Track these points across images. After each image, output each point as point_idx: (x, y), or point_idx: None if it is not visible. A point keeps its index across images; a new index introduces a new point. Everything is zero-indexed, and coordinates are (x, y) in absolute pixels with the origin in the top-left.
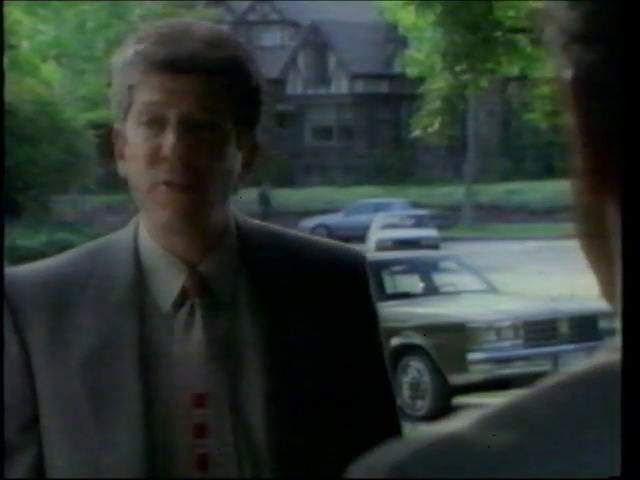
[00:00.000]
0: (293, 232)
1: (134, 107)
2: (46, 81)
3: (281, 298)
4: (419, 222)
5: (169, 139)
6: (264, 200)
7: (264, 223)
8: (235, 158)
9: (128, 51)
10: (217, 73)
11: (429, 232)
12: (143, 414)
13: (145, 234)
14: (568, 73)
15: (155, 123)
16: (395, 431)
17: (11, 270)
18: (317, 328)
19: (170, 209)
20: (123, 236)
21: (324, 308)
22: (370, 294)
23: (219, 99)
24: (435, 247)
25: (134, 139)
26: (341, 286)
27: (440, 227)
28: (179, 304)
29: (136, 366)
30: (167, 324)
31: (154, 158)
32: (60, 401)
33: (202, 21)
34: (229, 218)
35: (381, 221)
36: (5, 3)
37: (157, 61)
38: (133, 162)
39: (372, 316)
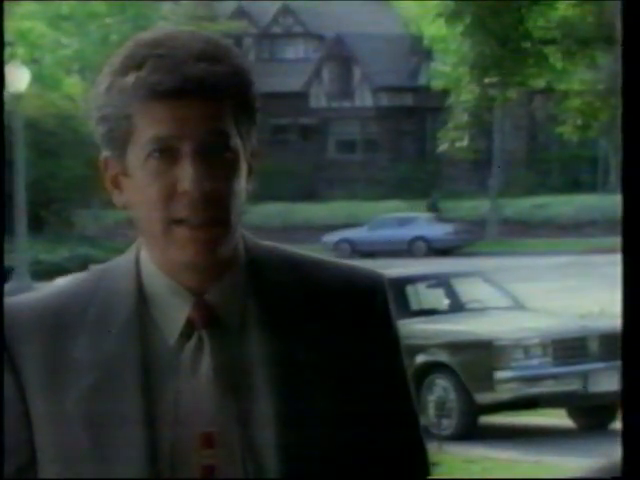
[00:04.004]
0: (306, 253)
1: (136, 138)
2: (69, 95)
3: (294, 325)
4: None
5: (187, 172)
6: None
7: (275, 244)
8: (245, 174)
9: (126, 78)
10: (223, 91)
11: None
12: (147, 455)
13: (147, 260)
14: None
15: (166, 155)
16: (420, 455)
17: (7, 302)
18: (333, 354)
19: (192, 248)
20: (124, 262)
21: (340, 333)
22: (390, 316)
23: (228, 119)
24: None
25: (140, 173)
26: (358, 309)
27: (465, 241)
28: (186, 336)
29: (139, 403)
30: (173, 358)
31: (170, 194)
32: (58, 441)
33: (190, 30)
34: (238, 240)
35: None
36: (22, 14)
37: (162, 89)
38: (140, 198)
39: (392, 339)
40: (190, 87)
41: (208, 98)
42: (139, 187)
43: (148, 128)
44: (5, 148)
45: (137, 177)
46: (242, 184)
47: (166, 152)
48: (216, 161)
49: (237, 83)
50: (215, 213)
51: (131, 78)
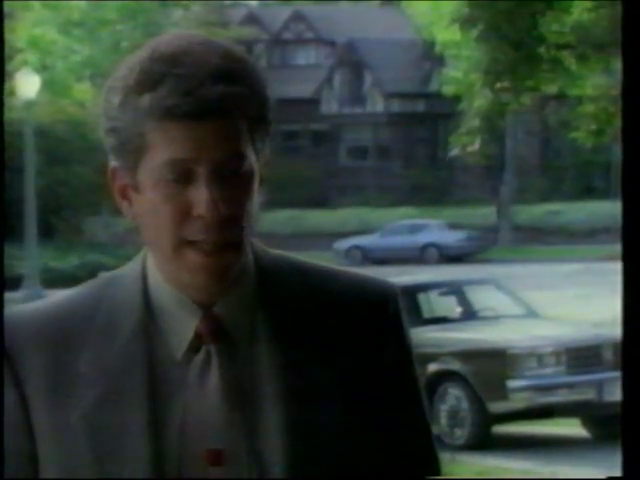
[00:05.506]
0: (316, 263)
1: (150, 156)
2: (79, 101)
3: (304, 337)
4: None
5: (203, 195)
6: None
7: (284, 254)
8: (258, 187)
9: (141, 98)
10: (240, 111)
11: None
12: (153, 470)
13: (154, 271)
14: None
15: (181, 177)
16: (432, 466)
17: (10, 313)
18: (344, 365)
19: (204, 273)
20: (130, 272)
21: (351, 344)
22: (402, 327)
23: (244, 137)
24: None
25: (153, 193)
26: (370, 320)
27: (477, 248)
28: (193, 350)
29: (145, 417)
30: (180, 372)
31: (184, 217)
32: (61, 458)
33: (204, 39)
34: (247, 251)
35: None
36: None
37: (179, 112)
38: (152, 217)
39: (404, 350)
40: (207, 109)
41: (225, 119)
42: (151, 206)
43: (163, 149)
44: (15, 155)
45: (149, 195)
46: (256, 202)
47: (181, 174)
48: (232, 183)
49: (255, 101)
50: (229, 237)
51: (146, 98)
